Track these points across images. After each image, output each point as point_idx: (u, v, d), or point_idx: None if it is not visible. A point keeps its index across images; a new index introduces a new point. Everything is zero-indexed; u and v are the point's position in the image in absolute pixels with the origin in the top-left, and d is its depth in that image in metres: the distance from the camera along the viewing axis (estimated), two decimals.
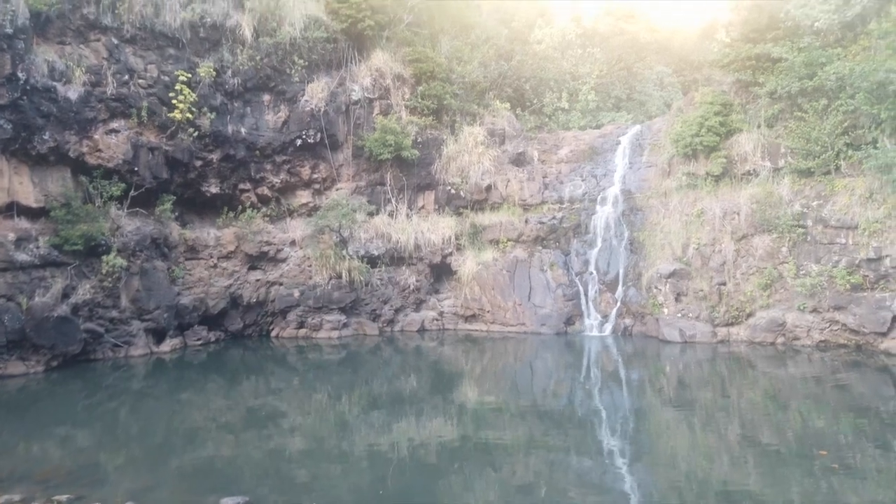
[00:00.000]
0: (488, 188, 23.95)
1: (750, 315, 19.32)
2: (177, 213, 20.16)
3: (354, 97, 22.98)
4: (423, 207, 23.94)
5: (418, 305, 23.29)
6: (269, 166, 21.83)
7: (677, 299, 20.27)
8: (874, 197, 17.35)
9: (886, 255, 17.02)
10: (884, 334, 17.11)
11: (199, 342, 19.90)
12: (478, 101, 26.24)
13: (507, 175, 24.17)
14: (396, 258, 22.79)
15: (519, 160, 24.90)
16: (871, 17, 20.60)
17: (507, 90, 28.28)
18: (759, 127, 20.51)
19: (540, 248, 22.97)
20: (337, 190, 22.85)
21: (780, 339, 18.78)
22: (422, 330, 22.76)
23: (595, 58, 31.51)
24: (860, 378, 14.79)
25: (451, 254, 23.28)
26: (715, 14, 34.10)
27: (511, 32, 30.74)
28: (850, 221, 17.67)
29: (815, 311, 18.34)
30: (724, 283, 19.80)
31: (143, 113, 18.49)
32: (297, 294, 21.47)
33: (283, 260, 21.74)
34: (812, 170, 18.95)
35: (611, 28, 34.32)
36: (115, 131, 18.20)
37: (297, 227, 22.11)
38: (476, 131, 24.55)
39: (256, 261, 21.47)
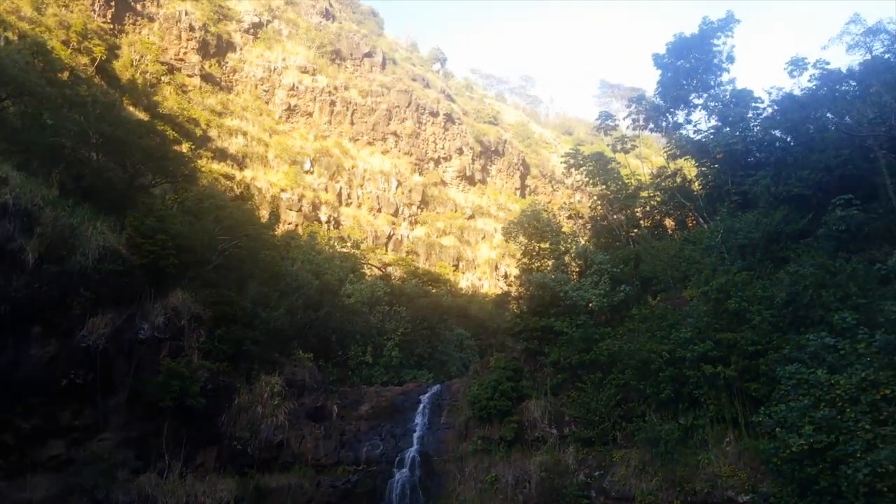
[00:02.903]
0: (280, 445, 22.23)
1: None
2: None
3: (142, 335, 21.29)
4: (201, 465, 21.31)
5: None
6: (20, 408, 18.72)
7: None
8: (647, 469, 18.31)
9: None
10: None
11: None
12: (280, 349, 25.55)
13: (302, 430, 22.79)
14: None
15: (317, 414, 23.83)
16: (634, 302, 23.84)
17: (313, 340, 28.04)
18: (546, 394, 21.66)
19: None
20: (100, 441, 19.84)
21: None
22: None
23: (401, 316, 32.82)
24: None
25: None
26: (508, 287, 37.75)
27: (322, 284, 31.41)
28: (628, 493, 18.28)
29: None
30: None
31: None
32: None
33: None
34: (593, 439, 19.91)
35: (417, 290, 36.48)
36: None
37: (40, 486, 18.39)
38: (274, 381, 23.39)
39: None
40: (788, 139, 26.50)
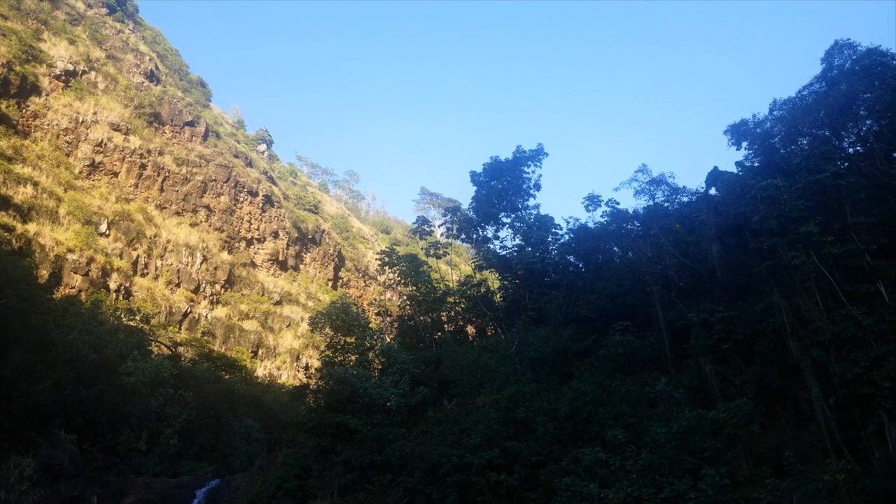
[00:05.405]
0: None
1: None
2: None
3: None
4: None
5: None
6: None
7: None
8: None
9: None
10: None
11: None
12: (39, 427, 22.42)
13: None
14: None
15: None
16: (431, 404, 24.26)
17: (80, 420, 24.83)
18: (333, 495, 20.84)
19: None
20: None
21: None
22: None
23: (186, 401, 30.26)
24: None
25: None
26: (308, 380, 36.61)
27: (100, 358, 28.24)
28: None
29: None
30: None
31: None
32: None
33: None
34: None
35: (208, 374, 34.12)
36: None
37: None
38: (25, 463, 20.23)
39: None
40: (581, 265, 29.54)
